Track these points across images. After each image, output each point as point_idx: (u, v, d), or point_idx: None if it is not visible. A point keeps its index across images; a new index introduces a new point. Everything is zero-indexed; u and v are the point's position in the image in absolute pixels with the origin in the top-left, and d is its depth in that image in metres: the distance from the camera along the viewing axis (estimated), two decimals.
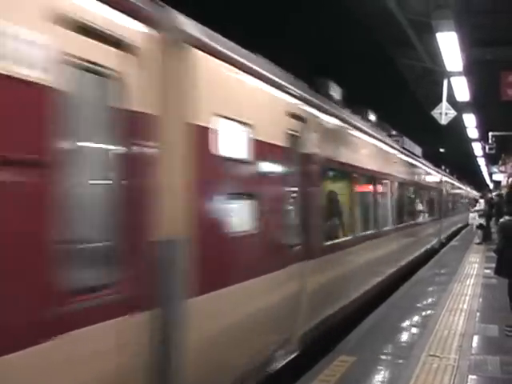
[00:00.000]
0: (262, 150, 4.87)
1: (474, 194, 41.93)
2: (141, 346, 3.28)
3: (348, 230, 7.82)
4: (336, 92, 7.91)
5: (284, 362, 5.39)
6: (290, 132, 5.54)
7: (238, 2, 10.86)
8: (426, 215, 16.19)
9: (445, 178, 22.40)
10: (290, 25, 13.23)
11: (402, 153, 12.73)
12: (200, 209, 3.88)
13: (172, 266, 3.49)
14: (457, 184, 31.06)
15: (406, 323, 7.79)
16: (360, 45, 13.53)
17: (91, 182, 3.19)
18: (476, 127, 19.54)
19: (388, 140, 11.66)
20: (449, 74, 11.69)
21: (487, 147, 21.15)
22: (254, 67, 4.90)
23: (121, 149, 3.17)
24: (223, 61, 4.26)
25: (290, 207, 5.69)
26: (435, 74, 12.81)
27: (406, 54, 12.17)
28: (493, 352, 6.24)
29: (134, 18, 3.26)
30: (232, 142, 4.45)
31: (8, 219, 2.44)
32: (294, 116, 5.66)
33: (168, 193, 3.46)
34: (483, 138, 21.82)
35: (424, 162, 16.79)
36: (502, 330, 7.10)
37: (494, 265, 7.65)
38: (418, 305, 9.05)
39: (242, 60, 4.62)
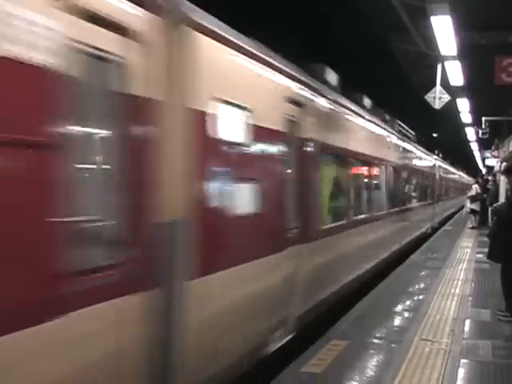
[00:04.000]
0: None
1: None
2: (140, 325, 3.38)
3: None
4: (332, 78, 8.55)
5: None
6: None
7: None
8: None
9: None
10: (283, 8, 13.12)
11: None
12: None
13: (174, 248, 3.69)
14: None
15: (399, 307, 7.87)
16: (354, 29, 13.45)
17: (92, 166, 3.25)
18: (469, 112, 19.51)
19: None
20: (443, 59, 11.64)
21: (480, 132, 21.12)
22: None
23: (123, 133, 3.21)
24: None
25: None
26: (429, 58, 12.73)
27: (400, 38, 12.09)
28: (485, 336, 6.32)
29: (136, 3, 3.29)
30: None
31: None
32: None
33: (169, 177, 3.54)
34: (476, 123, 21.78)
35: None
36: (493, 314, 7.17)
37: (486, 249, 7.71)
38: (411, 289, 9.12)
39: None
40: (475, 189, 20.52)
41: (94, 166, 3.20)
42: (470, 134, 27.23)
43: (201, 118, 3.99)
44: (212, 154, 4.21)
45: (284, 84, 5.87)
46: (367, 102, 11.52)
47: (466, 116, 20.73)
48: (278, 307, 5.51)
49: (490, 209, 17.15)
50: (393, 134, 12.51)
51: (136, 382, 3.32)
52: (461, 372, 5.23)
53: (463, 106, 17.99)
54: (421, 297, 8.44)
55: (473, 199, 20.20)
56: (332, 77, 8.57)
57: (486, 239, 8.95)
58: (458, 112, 19.42)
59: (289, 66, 6.23)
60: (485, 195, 19.84)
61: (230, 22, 4.83)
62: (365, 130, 9.87)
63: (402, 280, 9.97)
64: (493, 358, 5.64)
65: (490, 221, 16.47)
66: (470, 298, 8.30)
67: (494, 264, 7.68)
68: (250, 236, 4.86)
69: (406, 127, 16.43)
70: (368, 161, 9.82)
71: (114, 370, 3.10)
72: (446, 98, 13.01)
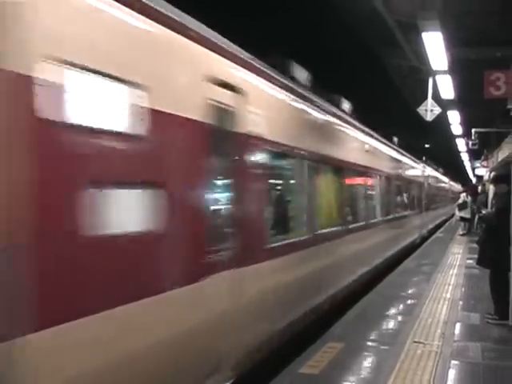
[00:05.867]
0: None
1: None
2: None
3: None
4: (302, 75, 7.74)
5: None
6: None
7: None
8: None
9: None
10: (276, 23, 13.35)
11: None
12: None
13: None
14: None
15: (392, 311, 8.03)
16: (347, 44, 13.69)
17: None
18: (460, 124, 19.82)
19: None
20: (434, 73, 11.89)
21: (470, 143, 21.46)
22: None
23: None
24: None
25: None
26: (421, 72, 13.02)
27: (393, 54, 12.34)
28: (474, 339, 6.48)
29: None
30: None
31: None
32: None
33: None
34: (467, 135, 22.11)
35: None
36: (483, 317, 7.34)
37: (476, 255, 7.83)
38: (403, 294, 9.28)
39: None
40: (463, 197, 21.16)
41: None
42: (461, 144, 27.59)
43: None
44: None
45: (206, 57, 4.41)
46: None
47: (456, 128, 21.06)
48: None
49: (477, 216, 17.45)
50: None
51: None
52: (451, 373, 5.36)
53: (454, 118, 18.27)
54: (413, 301, 8.58)
55: (460, 207, 20.84)
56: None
57: (475, 245, 9.16)
58: (449, 124, 19.72)
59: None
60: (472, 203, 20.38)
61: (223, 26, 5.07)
62: None
63: (395, 285, 10.09)
64: (482, 359, 5.78)
65: (475, 227, 16.47)
66: (461, 302, 8.45)
67: (484, 269, 7.82)
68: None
69: None
70: None
71: None
72: (438, 110, 13.24)
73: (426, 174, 21.92)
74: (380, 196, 12.38)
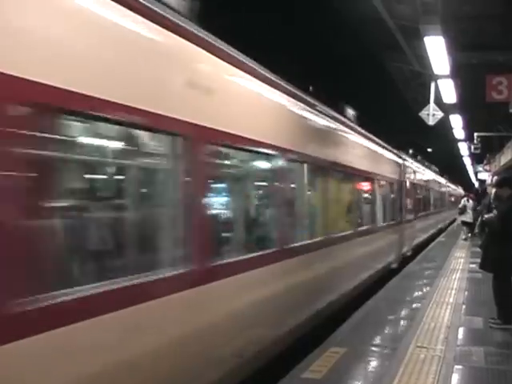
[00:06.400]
0: None
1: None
2: None
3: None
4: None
5: None
6: None
7: (233, 4, 11.07)
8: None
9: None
10: (282, 28, 13.43)
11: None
12: None
13: None
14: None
15: (395, 316, 8.00)
16: (351, 49, 13.76)
17: None
18: (462, 128, 19.91)
19: None
20: (436, 77, 11.98)
21: (473, 147, 21.58)
22: None
23: None
24: None
25: None
26: (423, 76, 13.10)
27: (395, 58, 12.45)
28: (477, 343, 6.44)
29: None
30: None
31: None
32: None
33: None
34: (469, 139, 22.23)
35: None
36: (486, 322, 7.32)
37: (478, 260, 7.83)
38: (406, 298, 9.27)
39: None
40: (463, 201, 21.18)
41: None
42: (463, 149, 27.68)
43: None
44: None
45: None
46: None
47: (458, 132, 21.14)
48: None
49: (479, 219, 17.38)
50: None
51: None
52: (454, 378, 5.32)
53: (456, 122, 18.35)
54: (416, 305, 8.57)
55: (460, 212, 20.88)
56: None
57: (478, 249, 9.16)
58: (451, 128, 19.81)
59: None
60: (478, 207, 20.40)
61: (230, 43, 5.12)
62: None
63: (398, 289, 10.10)
64: (485, 364, 5.75)
65: (476, 231, 16.21)
66: (464, 307, 8.44)
67: (486, 273, 7.79)
68: None
69: None
70: None
71: None
72: (440, 114, 13.32)
73: (408, 169, 15.46)
74: (312, 203, 7.65)
